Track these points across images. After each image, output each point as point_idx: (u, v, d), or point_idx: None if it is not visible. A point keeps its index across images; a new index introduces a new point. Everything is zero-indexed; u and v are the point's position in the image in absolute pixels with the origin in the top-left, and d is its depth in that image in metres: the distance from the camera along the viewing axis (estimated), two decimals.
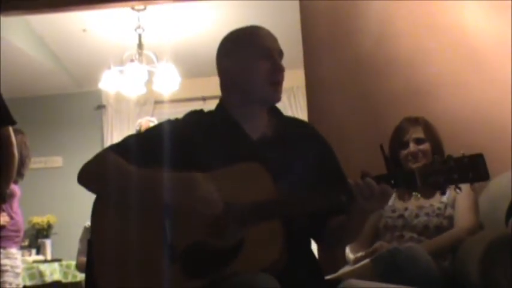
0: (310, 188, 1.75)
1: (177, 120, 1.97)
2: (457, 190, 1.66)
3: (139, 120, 5.02)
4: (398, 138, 2.84)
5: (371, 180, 1.65)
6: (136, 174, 1.77)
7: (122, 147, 1.88)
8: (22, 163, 3.49)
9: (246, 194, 1.71)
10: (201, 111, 2.02)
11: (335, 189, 1.72)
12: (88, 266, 1.86)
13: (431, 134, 2.82)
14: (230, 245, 1.68)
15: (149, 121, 4.82)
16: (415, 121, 2.85)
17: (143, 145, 1.89)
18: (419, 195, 2.74)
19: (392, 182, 1.67)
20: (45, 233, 6.80)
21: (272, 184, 1.73)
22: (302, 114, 6.27)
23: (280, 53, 1.94)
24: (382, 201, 1.69)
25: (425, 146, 2.78)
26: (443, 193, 1.72)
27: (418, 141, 2.79)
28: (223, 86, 1.99)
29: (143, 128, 4.55)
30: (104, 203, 1.83)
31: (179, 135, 1.88)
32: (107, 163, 1.84)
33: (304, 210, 1.74)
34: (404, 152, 2.79)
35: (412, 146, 2.78)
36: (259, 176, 1.74)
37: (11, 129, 2.95)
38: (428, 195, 2.74)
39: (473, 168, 1.61)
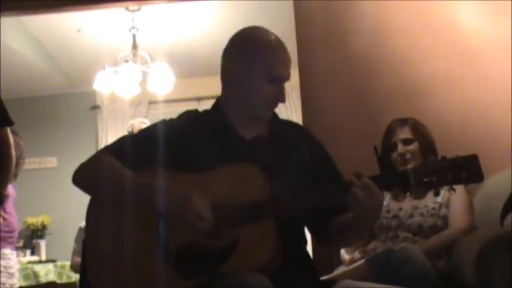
0: (305, 188, 1.74)
1: (171, 120, 1.97)
2: (451, 191, 1.66)
3: (131, 122, 5.02)
4: (387, 140, 2.82)
5: (368, 180, 1.64)
6: (131, 180, 1.76)
7: (117, 148, 1.88)
8: (16, 163, 3.47)
9: (240, 194, 1.70)
10: (196, 111, 2.02)
11: (330, 189, 1.71)
12: (83, 267, 1.86)
13: (419, 134, 2.79)
14: (223, 246, 1.67)
15: (141, 122, 4.82)
16: (403, 122, 2.83)
17: (138, 146, 1.88)
18: (412, 196, 2.74)
19: (386, 183, 1.66)
20: (39, 233, 6.78)
21: (266, 184, 1.73)
22: (297, 113, 6.27)
23: (288, 77, 1.90)
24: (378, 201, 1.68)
25: (414, 147, 2.76)
26: (437, 194, 1.71)
27: (406, 142, 2.77)
28: (225, 86, 1.95)
29: (135, 129, 4.54)
30: (98, 204, 1.83)
31: (173, 136, 1.87)
32: (102, 166, 1.84)
33: (298, 210, 1.73)
34: (394, 154, 2.78)
35: (400, 147, 2.76)
36: (253, 176, 1.74)
37: (8, 130, 2.93)
38: (422, 195, 2.73)
39: (467, 169, 1.60)
